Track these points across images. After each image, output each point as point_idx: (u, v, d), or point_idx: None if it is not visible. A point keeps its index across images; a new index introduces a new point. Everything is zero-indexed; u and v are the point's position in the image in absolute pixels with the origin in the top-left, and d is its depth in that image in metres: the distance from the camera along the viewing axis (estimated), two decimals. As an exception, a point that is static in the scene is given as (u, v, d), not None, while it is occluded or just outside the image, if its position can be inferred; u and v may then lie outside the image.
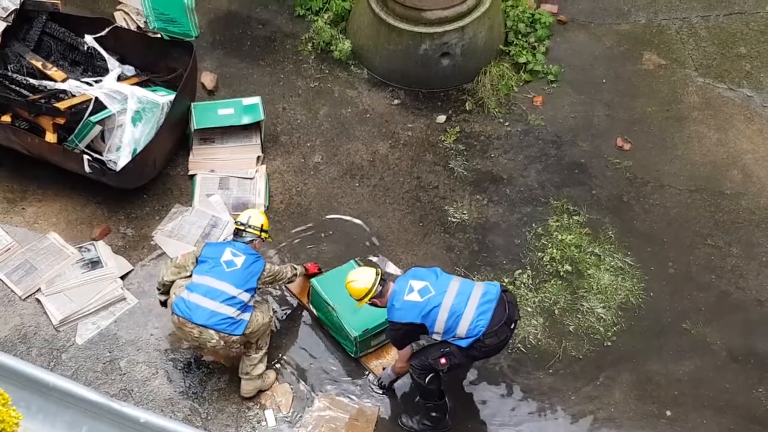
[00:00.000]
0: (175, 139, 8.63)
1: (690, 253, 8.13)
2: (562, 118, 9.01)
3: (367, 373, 7.50)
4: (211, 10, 9.72)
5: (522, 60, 9.23)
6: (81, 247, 8.06)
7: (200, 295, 6.98)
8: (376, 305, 6.97)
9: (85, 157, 8.00)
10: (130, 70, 8.67)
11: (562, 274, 7.99)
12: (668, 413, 7.34)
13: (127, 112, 8.07)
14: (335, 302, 7.40)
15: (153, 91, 8.37)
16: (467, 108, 9.07)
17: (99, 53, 8.53)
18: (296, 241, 8.19)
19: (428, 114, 9.05)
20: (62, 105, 8.07)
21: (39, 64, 8.38)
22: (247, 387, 7.33)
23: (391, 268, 7.97)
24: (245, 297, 7.03)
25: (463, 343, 6.70)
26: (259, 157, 8.62)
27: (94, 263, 7.96)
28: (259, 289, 7.26)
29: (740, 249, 8.14)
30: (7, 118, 8.26)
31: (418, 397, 7.19)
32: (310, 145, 8.82)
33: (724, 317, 7.79)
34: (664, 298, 7.89)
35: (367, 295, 6.88)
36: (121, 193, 8.34)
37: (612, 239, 8.19)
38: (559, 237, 8.18)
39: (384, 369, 7.41)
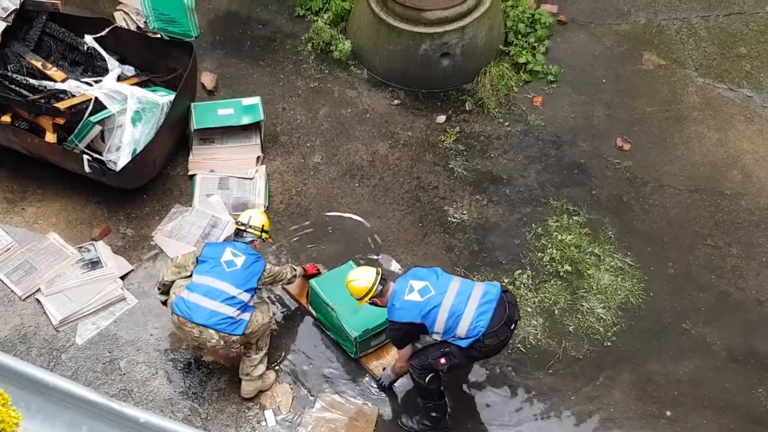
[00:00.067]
0: (175, 139, 8.63)
1: (690, 253, 8.13)
2: (561, 118, 9.01)
3: (366, 375, 7.50)
4: (211, 10, 9.73)
5: (522, 60, 9.23)
6: (81, 247, 8.06)
7: (200, 295, 6.98)
8: (376, 305, 6.97)
9: (85, 157, 8.00)
10: (130, 70, 8.67)
11: (561, 274, 7.99)
12: (668, 413, 7.34)
13: (127, 112, 8.07)
14: (334, 303, 7.39)
15: (153, 91, 8.37)
16: (467, 108, 9.07)
17: (99, 53, 8.53)
18: (296, 241, 8.19)
19: (428, 114, 9.05)
20: (62, 105, 8.07)
21: (39, 64, 8.38)
22: (247, 388, 7.33)
23: (395, 267, 7.97)
24: (245, 297, 7.03)
25: (463, 344, 6.70)
26: (258, 158, 8.62)
27: (94, 263, 7.96)
28: (259, 289, 7.26)
29: (740, 249, 8.14)
30: (7, 118, 8.26)
31: (418, 398, 7.20)
32: (309, 145, 8.82)
33: (724, 317, 7.79)
34: (664, 298, 7.89)
35: (367, 294, 6.88)
36: (121, 193, 8.34)
37: (612, 239, 8.19)
38: (559, 237, 8.18)
39: (384, 369, 7.41)
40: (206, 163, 8.59)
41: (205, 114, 8.61)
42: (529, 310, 7.80)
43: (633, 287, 7.93)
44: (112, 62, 8.53)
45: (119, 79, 8.42)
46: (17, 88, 8.26)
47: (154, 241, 8.16)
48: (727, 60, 9.35)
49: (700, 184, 8.54)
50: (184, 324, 6.99)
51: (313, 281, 7.61)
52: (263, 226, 7.34)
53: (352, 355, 7.49)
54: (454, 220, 8.34)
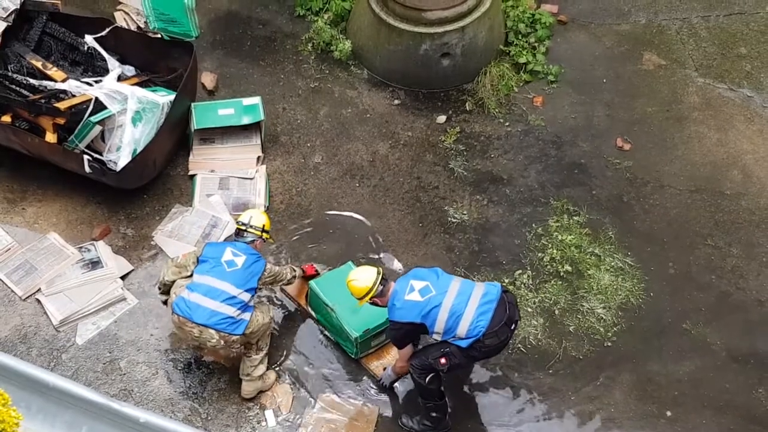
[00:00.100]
0: (175, 140, 8.63)
1: (690, 253, 8.13)
2: (562, 118, 9.01)
3: (366, 376, 7.51)
4: (211, 10, 9.72)
5: (522, 60, 9.23)
6: (81, 247, 8.05)
7: (201, 295, 6.98)
8: (376, 304, 6.97)
9: (85, 157, 8.00)
10: (130, 70, 8.67)
11: (562, 274, 7.99)
12: (668, 413, 7.34)
13: (127, 112, 8.07)
14: (334, 303, 7.39)
15: (153, 91, 8.37)
16: (467, 108, 9.07)
17: (99, 53, 8.53)
18: (296, 240, 8.19)
19: (428, 114, 9.05)
20: (62, 105, 8.07)
21: (39, 64, 8.38)
22: (247, 388, 7.33)
23: (397, 266, 7.98)
24: (246, 297, 7.03)
25: (463, 344, 6.70)
26: (259, 158, 8.62)
27: (94, 263, 7.96)
28: (260, 289, 7.26)
29: (740, 249, 8.14)
30: (7, 118, 8.25)
31: (418, 398, 7.20)
32: (310, 145, 8.82)
33: (725, 317, 7.79)
34: (664, 298, 7.89)
35: (368, 294, 6.88)
36: (121, 193, 8.34)
37: (612, 239, 8.19)
38: (559, 237, 8.18)
39: (384, 369, 7.40)
40: (206, 163, 8.59)
41: (205, 114, 8.61)
42: (530, 310, 7.80)
43: (633, 287, 7.93)
44: (112, 62, 8.53)
45: (119, 79, 8.42)
46: (17, 88, 8.26)
47: (155, 241, 8.16)
48: (728, 60, 9.35)
49: (701, 184, 8.54)
50: (185, 324, 6.99)
51: (312, 282, 7.60)
52: (264, 226, 7.34)
53: (353, 356, 7.49)
54: (455, 220, 8.34)
